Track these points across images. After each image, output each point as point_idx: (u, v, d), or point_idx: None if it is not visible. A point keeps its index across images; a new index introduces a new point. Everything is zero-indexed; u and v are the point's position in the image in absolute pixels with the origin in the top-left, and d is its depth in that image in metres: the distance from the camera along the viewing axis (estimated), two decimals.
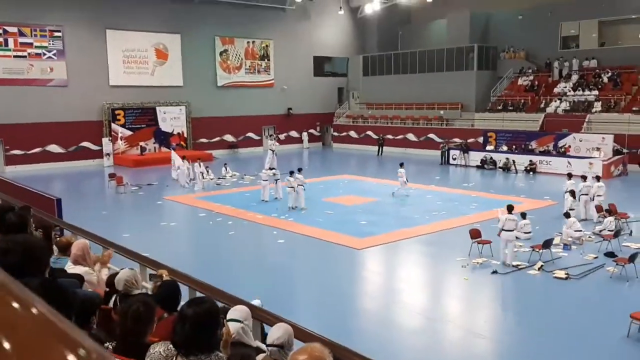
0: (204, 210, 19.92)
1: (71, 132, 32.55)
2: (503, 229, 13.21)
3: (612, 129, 28.63)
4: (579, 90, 32.88)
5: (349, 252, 14.59)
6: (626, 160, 27.07)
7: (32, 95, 31.32)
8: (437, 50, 39.24)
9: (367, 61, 43.64)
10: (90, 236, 9.43)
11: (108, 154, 33.38)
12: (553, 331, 9.58)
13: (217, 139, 38.73)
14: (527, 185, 25.11)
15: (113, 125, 34.11)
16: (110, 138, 33.81)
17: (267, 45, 40.90)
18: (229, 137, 39.41)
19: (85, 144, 33.43)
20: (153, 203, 21.83)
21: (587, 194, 17.66)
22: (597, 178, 18.91)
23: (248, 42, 40.02)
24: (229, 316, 4.02)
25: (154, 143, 35.88)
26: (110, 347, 3.36)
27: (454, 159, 31.65)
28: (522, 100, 34.78)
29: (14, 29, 30.84)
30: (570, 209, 16.53)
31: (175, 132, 36.60)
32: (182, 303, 4.52)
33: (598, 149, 27.32)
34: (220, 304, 4.94)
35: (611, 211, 16.22)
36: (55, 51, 32.09)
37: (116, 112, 34.26)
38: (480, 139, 32.82)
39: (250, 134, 40.50)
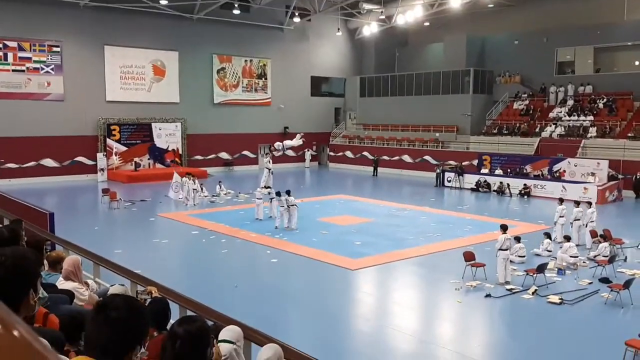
0: (197, 227, 19.81)
1: (66, 146, 32.49)
2: (500, 249, 13.37)
3: (607, 154, 28.77)
4: (574, 116, 33.11)
5: (342, 272, 14.50)
6: (621, 186, 27.16)
7: (29, 109, 31.33)
8: (433, 72, 39.55)
9: (364, 82, 43.93)
10: (82, 251, 9.34)
11: (102, 169, 33.28)
12: (546, 357, 9.49)
13: (213, 156, 38.72)
14: (522, 209, 25.14)
15: (108, 141, 34.07)
16: (105, 153, 33.74)
17: (264, 64, 41.12)
18: (224, 155, 39.40)
19: (79, 158, 33.35)
20: (146, 219, 21.71)
21: (579, 220, 17.58)
22: (589, 204, 18.90)
23: (246, 61, 40.22)
24: (221, 336, 3.95)
25: (149, 159, 35.83)
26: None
27: (449, 181, 31.70)
28: (518, 124, 34.99)
29: (14, 44, 30.94)
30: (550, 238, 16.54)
31: (170, 149, 36.58)
32: (172, 321, 4.44)
33: (593, 174, 27.42)
34: (210, 323, 4.87)
35: (606, 237, 16.20)
36: (53, 66, 32.16)
37: (112, 127, 34.25)
38: (475, 162, 32.92)
39: (245, 152, 40.51)
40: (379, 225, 20.37)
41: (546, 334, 10.53)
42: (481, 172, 31.47)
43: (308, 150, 42.96)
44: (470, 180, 30.88)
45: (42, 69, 31.91)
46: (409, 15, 38.63)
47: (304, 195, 25.03)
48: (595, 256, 15.15)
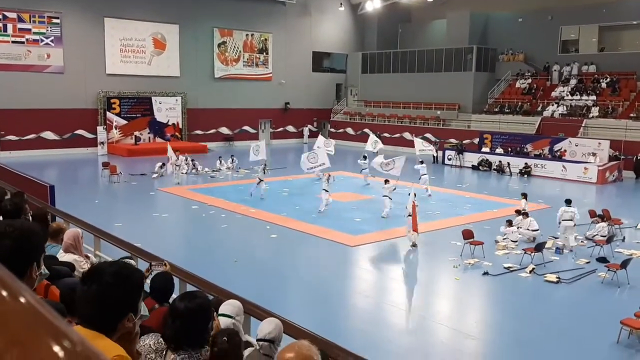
0: (197, 202, 19.85)
1: (66, 119, 32.40)
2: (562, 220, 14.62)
3: (609, 134, 28.70)
4: (577, 95, 32.95)
5: (342, 248, 14.58)
6: (622, 167, 27.15)
7: (29, 81, 31.15)
8: (436, 50, 39.26)
9: (366, 58, 43.61)
10: (83, 224, 9.38)
11: (102, 143, 33.23)
12: (543, 335, 9.59)
13: (213, 131, 38.63)
14: (521, 188, 25.09)
15: (108, 114, 33.96)
16: (105, 126, 33.66)
17: (266, 39, 40.79)
18: (224, 130, 39.31)
19: (79, 131, 33.28)
20: (146, 193, 21.75)
21: (570, 220, 14.76)
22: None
23: (247, 35, 39.89)
24: (220, 310, 3.99)
25: (149, 133, 35.76)
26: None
27: (449, 159, 31.68)
28: (520, 103, 34.84)
29: (14, 15, 30.65)
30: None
31: (170, 123, 36.48)
32: (174, 295, 4.48)
33: (594, 154, 27.39)
34: (211, 297, 4.91)
35: (604, 217, 16.24)
36: (53, 38, 31.90)
37: (112, 100, 34.11)
38: (476, 140, 32.86)
39: (246, 127, 40.42)
40: (379, 202, 20.38)
41: (543, 312, 10.63)
42: (482, 150, 31.44)
43: (307, 126, 42.88)
44: (471, 158, 30.85)
45: (42, 40, 31.66)
46: None
47: (304, 172, 25.01)
48: (593, 236, 15.20)
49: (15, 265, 2.32)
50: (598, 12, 33.49)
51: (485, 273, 12.52)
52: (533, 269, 12.70)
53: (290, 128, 42.73)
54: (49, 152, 31.69)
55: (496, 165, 29.17)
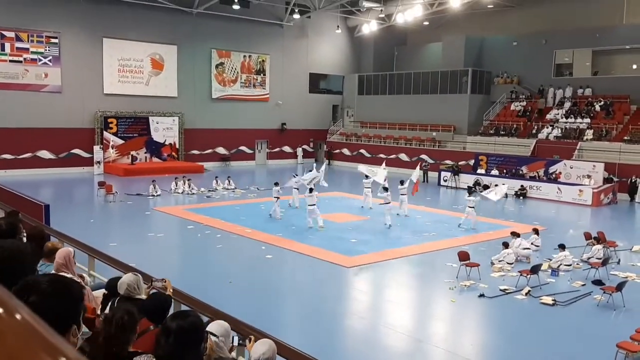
0: (192, 222, 19.81)
1: (63, 138, 32.42)
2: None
3: (603, 157, 28.85)
4: (571, 118, 33.19)
5: (337, 270, 14.53)
6: (616, 189, 27.25)
7: (26, 100, 31.23)
8: (431, 72, 39.60)
9: (362, 80, 43.93)
10: (77, 244, 9.34)
11: (99, 162, 33.22)
12: (538, 357, 9.54)
13: (210, 151, 38.69)
14: (517, 210, 25.21)
15: (105, 134, 34.00)
16: (102, 146, 33.68)
17: (263, 60, 41.08)
18: (221, 150, 39.38)
19: (76, 151, 33.27)
20: (142, 213, 21.69)
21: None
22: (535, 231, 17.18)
23: (244, 56, 40.18)
24: (207, 329, 3.98)
25: (145, 153, 35.78)
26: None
27: (445, 181, 31.77)
28: (514, 125, 35.06)
29: (12, 34, 30.82)
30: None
31: (167, 143, 36.53)
32: None
33: (589, 176, 27.50)
34: (206, 319, 4.89)
35: (599, 239, 16.26)
36: (51, 57, 32.06)
37: (109, 120, 34.17)
38: (472, 162, 32.99)
39: (243, 148, 40.50)
40: (375, 223, 20.40)
41: (539, 334, 10.58)
42: (477, 172, 31.53)
43: (300, 147, 43.02)
44: (466, 180, 30.93)
45: (40, 60, 31.81)
46: (409, 14, 38.63)
47: (300, 192, 25.02)
48: (588, 258, 15.21)
49: (6, 286, 2.31)
50: (591, 36, 33.92)
51: (482, 295, 12.48)
52: (529, 291, 12.67)
53: (287, 148, 42.86)
54: (44, 171, 31.64)
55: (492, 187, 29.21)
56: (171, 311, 4.75)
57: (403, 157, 37.83)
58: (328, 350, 9.05)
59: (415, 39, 45.20)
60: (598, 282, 13.28)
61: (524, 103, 36.39)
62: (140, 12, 34.30)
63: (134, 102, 35.16)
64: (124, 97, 34.71)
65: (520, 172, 30.24)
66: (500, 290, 12.83)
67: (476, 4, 36.69)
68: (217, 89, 39.04)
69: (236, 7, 36.32)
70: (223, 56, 39.11)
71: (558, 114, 34.05)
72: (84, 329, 2.22)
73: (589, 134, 31.37)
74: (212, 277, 13.60)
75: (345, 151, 41.89)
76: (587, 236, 16.82)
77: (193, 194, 25.96)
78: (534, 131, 33.76)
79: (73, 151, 33.18)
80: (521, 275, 13.33)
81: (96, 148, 33.36)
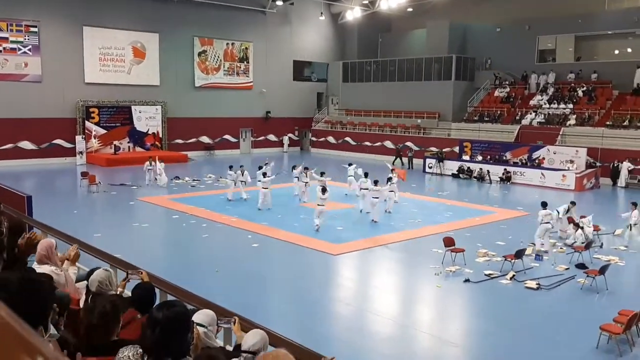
0: (177, 212, 19.70)
1: (44, 128, 32.01)
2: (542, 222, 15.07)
3: (586, 142, 29.12)
4: (554, 104, 33.41)
5: (324, 257, 14.55)
6: (599, 174, 27.55)
7: (6, 91, 30.75)
8: (416, 59, 39.60)
9: (347, 67, 43.80)
10: (60, 235, 9.25)
11: (81, 152, 32.86)
12: (523, 341, 9.65)
13: (193, 140, 38.44)
14: (501, 196, 25.41)
15: (87, 123, 33.62)
16: (84, 136, 33.31)
17: (246, 48, 40.78)
18: (205, 139, 39.14)
19: (58, 141, 32.88)
20: (126, 203, 21.52)
21: (548, 223, 15.32)
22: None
23: (227, 44, 39.85)
24: (193, 318, 3.96)
25: (129, 142, 35.46)
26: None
27: (430, 167, 31.90)
28: (498, 112, 35.22)
29: None
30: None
31: (150, 132, 36.22)
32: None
33: (571, 161, 27.75)
34: (191, 308, 4.86)
35: (580, 225, 16.43)
36: (30, 46, 31.55)
37: (91, 109, 33.79)
38: (456, 149, 33.14)
39: (227, 136, 40.29)
40: (361, 211, 20.43)
41: (523, 318, 10.70)
42: (462, 158, 31.70)
43: (286, 135, 42.94)
44: (451, 166, 31.13)
45: (20, 49, 31.30)
46: (392, 1, 38.53)
47: (287, 181, 25.00)
48: (572, 243, 15.39)
49: None
50: (574, 22, 34.11)
51: (467, 280, 12.58)
52: (513, 275, 12.80)
53: (272, 137, 42.73)
54: (26, 162, 31.26)
55: (477, 173, 29.44)
56: (157, 302, 4.72)
57: (388, 144, 37.89)
58: (315, 337, 9.08)
59: (400, 26, 45.12)
60: (581, 266, 13.44)
61: (508, 89, 36.55)
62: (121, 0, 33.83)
63: (116, 91, 34.76)
64: (105, 86, 34.30)
65: (504, 157, 30.43)
66: (485, 275, 12.94)
67: None
68: (200, 77, 38.72)
69: None
70: (205, 44, 38.75)
71: (541, 99, 34.26)
72: (52, 330, 2.14)
73: (572, 119, 31.62)
74: (198, 267, 13.55)
75: (331, 139, 41.84)
76: (570, 220, 16.97)
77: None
78: (517, 117, 33.96)
79: (55, 141, 32.79)
80: (505, 259, 13.45)
81: (78, 138, 32.98)
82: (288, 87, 43.03)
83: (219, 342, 4.28)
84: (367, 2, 40.39)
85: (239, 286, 12.16)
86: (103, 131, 34.32)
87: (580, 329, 10.00)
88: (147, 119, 36.01)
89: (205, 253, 15.15)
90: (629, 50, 34.21)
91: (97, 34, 33.81)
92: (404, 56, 41.09)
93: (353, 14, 41.94)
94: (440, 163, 31.55)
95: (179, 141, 37.63)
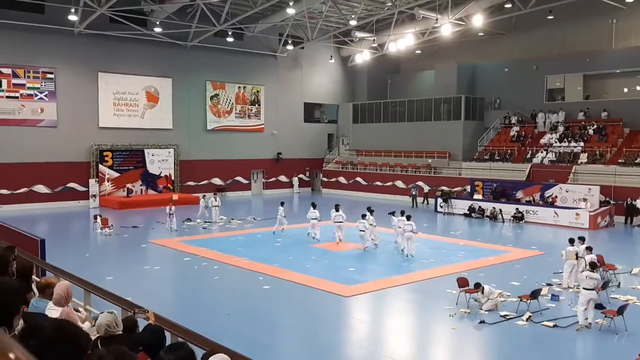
0: (189, 254, 19.68)
1: (58, 172, 32.41)
2: (584, 288, 12.36)
3: (598, 180, 28.94)
4: (565, 142, 33.39)
5: (336, 299, 14.40)
6: (613, 212, 27.27)
7: (22, 135, 31.32)
8: (425, 99, 39.95)
9: (357, 108, 44.24)
10: (73, 278, 9.26)
11: (94, 195, 33.14)
12: None
13: (205, 182, 38.68)
14: (514, 235, 25.16)
15: (100, 167, 34.01)
16: (97, 179, 33.64)
17: (258, 91, 41.39)
18: (217, 180, 39.37)
19: (71, 184, 33.23)
20: (137, 246, 21.55)
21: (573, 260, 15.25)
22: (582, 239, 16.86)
23: (239, 87, 40.48)
24: None
25: (141, 185, 35.75)
26: None
27: (441, 207, 31.77)
28: (509, 150, 35.23)
29: (8, 70, 31.04)
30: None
31: (162, 175, 36.53)
32: None
33: (584, 199, 27.53)
34: (201, 350, 4.82)
35: (594, 265, 16.18)
36: (46, 92, 32.25)
37: (104, 153, 34.23)
38: (468, 187, 33.06)
39: (238, 178, 40.52)
40: (372, 251, 20.32)
41: None
42: (474, 197, 31.55)
43: (295, 177, 43.11)
44: (462, 205, 31.00)
45: (36, 95, 31.98)
46: (401, 44, 39.11)
47: (298, 221, 24.98)
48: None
49: None
50: (582, 61, 34.39)
51: (482, 322, 12.37)
52: (530, 316, 12.57)
53: (283, 178, 42.91)
54: (40, 206, 31.55)
55: (489, 212, 29.26)
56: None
57: (399, 184, 37.90)
58: None
59: (408, 67, 45.72)
60: (599, 306, 13.16)
61: (518, 128, 36.63)
62: (134, 46, 34.62)
63: (130, 135, 35.26)
64: (119, 130, 34.82)
65: (514, 196, 30.27)
66: (501, 316, 12.72)
67: (467, 32, 37.21)
68: (212, 120, 39.22)
69: (230, 39, 36.74)
70: (217, 87, 39.40)
71: (552, 138, 34.26)
72: None
73: (583, 157, 31.53)
74: (209, 309, 13.45)
75: (342, 179, 41.94)
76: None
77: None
78: (528, 156, 33.93)
79: (68, 185, 33.14)
80: (521, 300, 13.23)
81: (92, 181, 33.32)
82: (299, 129, 43.45)
83: None
84: (375, 45, 41.05)
85: (250, 328, 12.03)
86: (116, 174, 34.67)
87: None
88: (159, 162, 36.38)
89: (217, 295, 15.06)
90: (638, 88, 34.33)
91: (111, 80, 34.53)
92: (413, 97, 41.48)
93: (362, 57, 42.59)
94: (447, 202, 31.43)
95: (191, 183, 37.88)
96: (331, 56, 42.75)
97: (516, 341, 11.68)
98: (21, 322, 4.86)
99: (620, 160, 30.05)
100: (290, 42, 39.26)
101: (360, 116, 43.95)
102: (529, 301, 13.05)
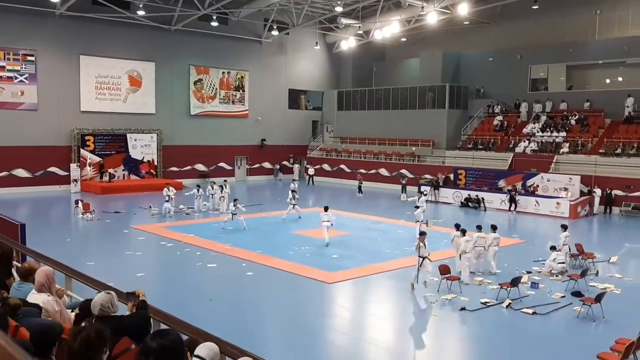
0: (171, 240, 19.60)
1: (39, 156, 31.99)
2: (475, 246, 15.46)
3: (579, 169, 29.28)
4: (547, 132, 33.68)
5: (319, 285, 14.46)
6: (592, 201, 27.62)
7: (2, 118, 30.85)
8: (410, 87, 39.99)
9: (341, 95, 44.17)
10: (54, 263, 9.17)
11: (75, 180, 32.80)
12: None
13: (188, 167, 38.46)
14: (496, 223, 25.31)
15: (82, 151, 33.63)
16: (79, 164, 33.28)
17: (242, 77, 41.11)
18: (200, 166, 39.17)
19: (52, 169, 32.84)
20: (120, 231, 21.41)
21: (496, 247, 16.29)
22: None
23: (223, 73, 40.17)
24: (196, 352, 3.89)
25: (123, 170, 35.44)
26: None
27: (425, 195, 31.85)
28: (492, 139, 35.47)
29: None
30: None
31: (145, 160, 36.23)
32: None
33: (565, 189, 27.84)
34: (185, 337, 4.81)
35: (578, 251, 16.45)
36: (27, 75, 31.73)
37: (86, 137, 33.83)
38: (451, 176, 33.25)
39: (222, 164, 40.35)
40: (355, 238, 20.40)
41: (520, 346, 10.62)
42: (457, 186, 31.77)
43: (277, 165, 42.90)
44: (446, 194, 31.21)
45: (16, 77, 31.46)
46: (386, 31, 39.05)
47: (281, 208, 24.96)
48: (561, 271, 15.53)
49: None
50: (565, 51, 34.64)
51: (463, 309, 12.51)
52: (509, 303, 12.73)
53: (267, 164, 42.82)
54: (20, 190, 31.15)
55: (474, 200, 29.55)
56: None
57: (383, 171, 38.02)
58: None
59: (394, 55, 45.70)
60: (577, 294, 13.40)
61: (501, 117, 36.85)
62: (117, 29, 34.14)
63: (112, 119, 34.88)
64: (101, 115, 34.42)
65: (497, 185, 30.52)
66: (481, 303, 12.87)
67: (452, 20, 37.23)
68: (196, 105, 38.93)
69: (214, 24, 36.37)
70: (201, 72, 39.07)
71: (534, 127, 34.53)
72: None
73: (565, 147, 31.85)
74: (192, 295, 13.43)
75: (326, 166, 41.94)
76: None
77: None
78: (511, 145, 34.18)
79: (49, 169, 32.75)
80: (501, 288, 13.40)
81: (73, 166, 32.95)
82: (283, 115, 43.31)
83: None
84: (361, 32, 40.92)
85: (233, 314, 12.04)
86: (98, 159, 34.31)
87: (577, 358, 9.92)
88: (142, 147, 36.06)
89: (199, 281, 15.03)
90: (620, 79, 34.69)
91: (93, 63, 34.06)
92: (398, 85, 41.51)
93: (348, 44, 42.48)
94: (436, 191, 31.61)
95: (174, 169, 37.64)
96: (316, 42, 42.57)
97: (496, 327, 11.84)
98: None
99: (601, 151, 30.41)
100: (275, 27, 38.96)
101: (345, 103, 43.89)
102: (509, 289, 13.22)
